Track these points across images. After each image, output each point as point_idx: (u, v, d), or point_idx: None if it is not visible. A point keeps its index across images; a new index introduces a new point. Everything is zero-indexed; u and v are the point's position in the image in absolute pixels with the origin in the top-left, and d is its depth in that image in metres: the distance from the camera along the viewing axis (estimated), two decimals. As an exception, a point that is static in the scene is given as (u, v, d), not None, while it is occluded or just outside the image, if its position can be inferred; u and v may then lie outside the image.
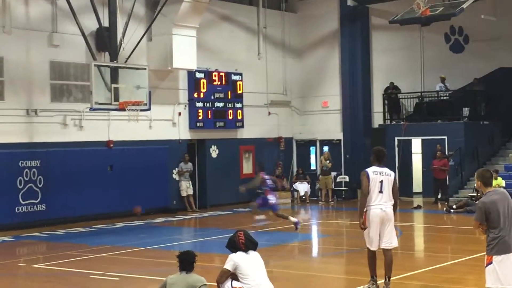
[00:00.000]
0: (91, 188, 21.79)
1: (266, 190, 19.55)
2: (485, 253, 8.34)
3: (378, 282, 11.21)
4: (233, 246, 8.87)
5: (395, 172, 26.08)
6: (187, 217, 23.28)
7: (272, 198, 19.35)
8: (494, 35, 27.00)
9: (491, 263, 8.29)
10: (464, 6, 22.46)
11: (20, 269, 14.61)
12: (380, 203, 10.93)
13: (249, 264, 8.78)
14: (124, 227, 20.77)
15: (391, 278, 11.11)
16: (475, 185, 23.32)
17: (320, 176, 27.51)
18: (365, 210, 10.97)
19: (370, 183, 10.89)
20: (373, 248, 11.04)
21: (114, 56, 20.32)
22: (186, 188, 24.51)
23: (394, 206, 11.12)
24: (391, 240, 11.11)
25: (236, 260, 8.73)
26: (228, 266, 8.71)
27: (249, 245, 8.93)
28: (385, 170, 11.08)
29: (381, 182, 10.92)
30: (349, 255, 15.44)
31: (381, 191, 10.90)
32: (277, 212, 19.54)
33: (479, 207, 8.44)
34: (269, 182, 19.69)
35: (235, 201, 25.13)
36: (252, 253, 8.91)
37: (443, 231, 19.91)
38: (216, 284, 8.78)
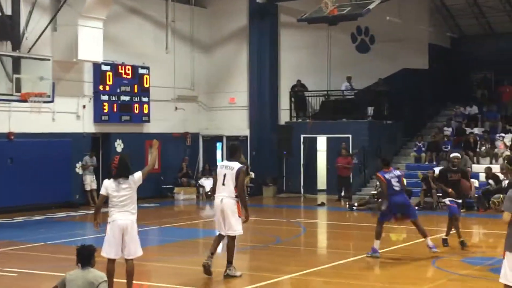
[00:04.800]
0: (-10, 181, 21.14)
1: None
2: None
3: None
4: (108, 168, 10.00)
5: (299, 169, 26.89)
6: (90, 212, 22.82)
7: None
8: (398, 37, 27.67)
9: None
10: (371, 7, 22.86)
11: None
12: (221, 195, 11.82)
13: (117, 195, 9.97)
14: (23, 222, 20.22)
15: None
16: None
17: None
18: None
19: (217, 177, 11.90)
20: (218, 231, 12.05)
21: (16, 46, 19.80)
22: (90, 182, 24.09)
23: (239, 196, 11.81)
24: (231, 228, 11.84)
25: (106, 187, 10.02)
26: (102, 191, 10.09)
27: (121, 169, 10.00)
28: (231, 164, 11.90)
29: (224, 175, 11.78)
30: (252, 251, 15.47)
31: (223, 184, 11.79)
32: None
33: (509, 196, 8.32)
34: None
35: (141, 196, 24.70)
36: (124, 185, 9.97)
37: (346, 228, 20.23)
38: (94, 212, 10.37)
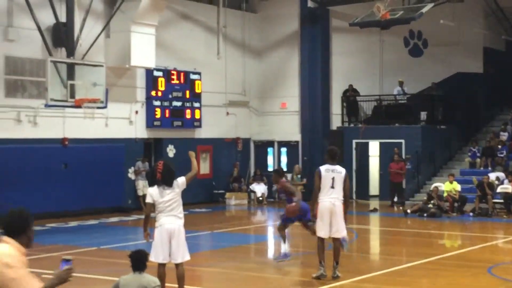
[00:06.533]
0: (45, 186, 21.41)
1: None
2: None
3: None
4: (152, 174, 10.19)
5: (351, 174, 26.68)
6: (142, 216, 22.95)
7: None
8: (452, 40, 27.28)
9: None
10: (424, 10, 22.60)
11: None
12: (331, 197, 12.07)
13: (162, 200, 9.97)
14: (77, 226, 20.45)
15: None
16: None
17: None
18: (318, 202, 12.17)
19: (322, 180, 12.05)
20: (322, 235, 12.19)
21: (70, 52, 20.03)
22: (143, 187, 24.23)
23: (345, 200, 12.24)
24: (339, 230, 12.20)
25: (152, 194, 10.05)
26: (149, 200, 10.12)
27: (166, 176, 9.97)
28: (337, 168, 12.20)
29: (333, 179, 12.07)
30: (305, 257, 15.36)
31: (332, 187, 12.08)
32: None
33: None
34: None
35: (192, 202, 24.88)
36: (168, 190, 9.97)
37: (399, 234, 19.97)
38: (144, 222, 10.32)
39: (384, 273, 13.16)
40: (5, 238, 5.04)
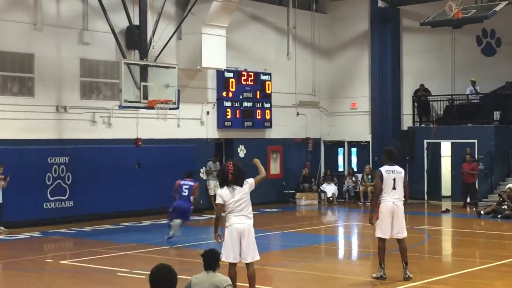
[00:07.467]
0: (118, 186, 21.90)
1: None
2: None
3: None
4: (223, 174, 10.23)
5: (423, 175, 26.38)
6: (214, 216, 23.19)
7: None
8: (526, 39, 26.69)
9: None
10: (497, 9, 22.23)
11: (48, 265, 14.69)
12: (393, 198, 12.08)
13: (233, 201, 10.05)
14: (151, 225, 20.81)
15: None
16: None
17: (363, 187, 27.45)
18: (378, 203, 12.16)
19: (384, 181, 12.03)
20: (385, 236, 12.19)
21: (143, 54, 20.39)
22: (214, 187, 24.49)
23: (405, 199, 12.30)
24: (400, 232, 12.21)
25: (222, 195, 10.11)
26: (219, 200, 10.15)
27: (237, 175, 10.13)
28: (396, 168, 12.22)
29: (394, 179, 12.07)
30: (375, 258, 15.30)
31: (394, 188, 12.08)
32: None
33: None
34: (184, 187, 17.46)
35: (263, 202, 25.03)
36: (238, 190, 10.09)
37: (472, 235, 19.70)
38: (215, 223, 10.38)
39: (457, 275, 13.03)
40: None
